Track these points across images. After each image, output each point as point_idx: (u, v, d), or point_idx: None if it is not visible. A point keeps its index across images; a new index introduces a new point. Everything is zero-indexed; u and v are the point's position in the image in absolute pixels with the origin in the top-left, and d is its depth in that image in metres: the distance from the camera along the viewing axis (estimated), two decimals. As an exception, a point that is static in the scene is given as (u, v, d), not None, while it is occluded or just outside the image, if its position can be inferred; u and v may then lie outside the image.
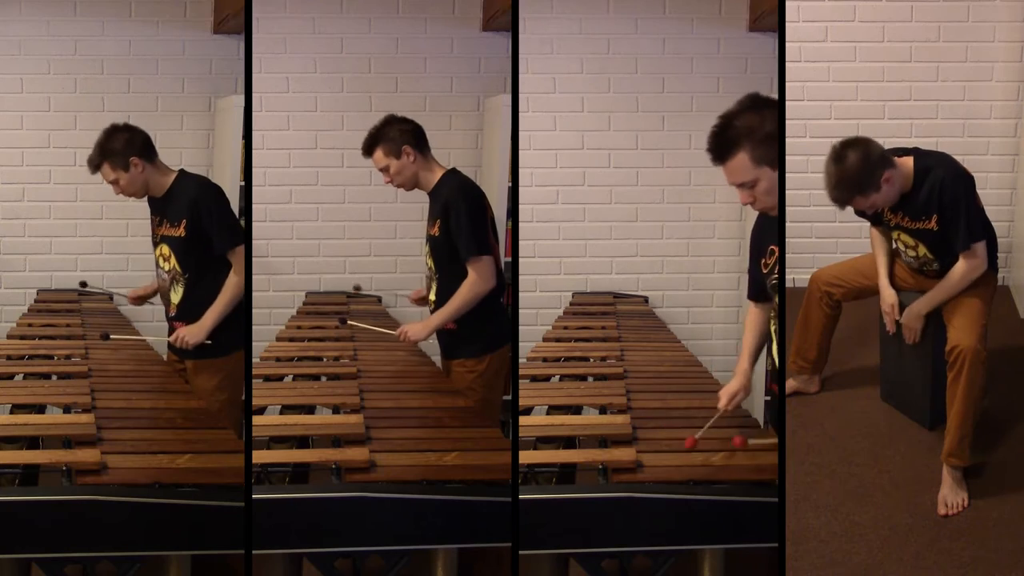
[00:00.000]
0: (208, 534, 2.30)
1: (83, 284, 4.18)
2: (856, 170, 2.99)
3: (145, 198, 3.23)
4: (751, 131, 2.33)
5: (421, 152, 3.16)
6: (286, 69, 4.19)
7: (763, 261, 2.62)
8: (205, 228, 3.08)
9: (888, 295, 3.30)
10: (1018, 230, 4.24)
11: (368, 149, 3.18)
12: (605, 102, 4.26)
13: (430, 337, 3.20)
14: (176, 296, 3.16)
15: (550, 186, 4.28)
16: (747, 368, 2.68)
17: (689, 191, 4.29)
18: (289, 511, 2.19)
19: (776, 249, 2.55)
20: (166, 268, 3.16)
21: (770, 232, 2.58)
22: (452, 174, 3.17)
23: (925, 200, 3.08)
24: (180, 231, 3.10)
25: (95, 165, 3.15)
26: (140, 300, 3.47)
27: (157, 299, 3.35)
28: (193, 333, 3.09)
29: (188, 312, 3.14)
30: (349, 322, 3.64)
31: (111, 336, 3.48)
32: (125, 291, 3.56)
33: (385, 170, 3.18)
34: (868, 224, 3.40)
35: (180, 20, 4.21)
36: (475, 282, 3.06)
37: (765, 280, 2.62)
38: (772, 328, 2.65)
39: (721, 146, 2.36)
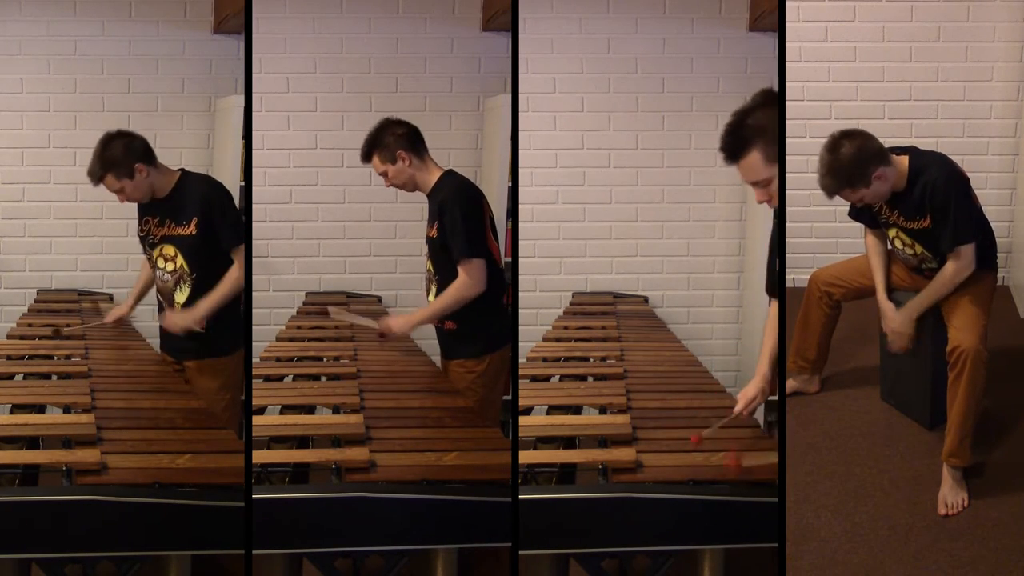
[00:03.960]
0: (208, 534, 2.30)
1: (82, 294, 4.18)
2: (848, 162, 3.00)
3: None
4: (764, 130, 2.32)
5: (417, 155, 3.16)
6: (286, 69, 4.19)
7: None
8: (215, 225, 3.08)
9: (887, 308, 3.29)
10: (1018, 230, 4.23)
11: (366, 155, 3.19)
12: (605, 102, 4.25)
13: (411, 331, 3.21)
14: (181, 296, 3.15)
15: (550, 186, 4.28)
16: (767, 372, 2.63)
17: (689, 191, 4.29)
18: (289, 511, 2.19)
19: None
20: (169, 269, 3.16)
21: None
22: (450, 175, 3.17)
23: (918, 200, 3.09)
24: (190, 229, 3.09)
25: (98, 177, 3.12)
26: (118, 323, 3.48)
27: (150, 299, 3.35)
28: (183, 317, 3.09)
29: (194, 312, 3.15)
30: (332, 313, 3.62)
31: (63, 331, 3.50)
32: (125, 291, 3.57)
33: (384, 175, 3.19)
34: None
35: (180, 20, 4.21)
36: (464, 284, 3.06)
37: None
38: None
39: (734, 145, 2.36)
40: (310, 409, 2.81)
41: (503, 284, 3.16)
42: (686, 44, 4.23)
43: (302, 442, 2.60)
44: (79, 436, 2.50)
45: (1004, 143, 4.29)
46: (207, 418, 2.83)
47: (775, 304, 2.73)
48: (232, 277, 3.07)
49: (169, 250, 3.15)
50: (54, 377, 3.10)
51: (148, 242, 3.20)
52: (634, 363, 3.28)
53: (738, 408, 2.58)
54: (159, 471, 2.35)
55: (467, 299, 3.06)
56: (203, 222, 3.08)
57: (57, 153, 4.18)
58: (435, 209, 3.12)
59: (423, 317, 3.15)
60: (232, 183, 3.84)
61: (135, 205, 3.24)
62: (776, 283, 2.66)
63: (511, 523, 2.24)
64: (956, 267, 3.12)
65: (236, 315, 3.10)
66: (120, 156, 3.10)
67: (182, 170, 3.20)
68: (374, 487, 2.27)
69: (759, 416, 2.72)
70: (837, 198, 3.12)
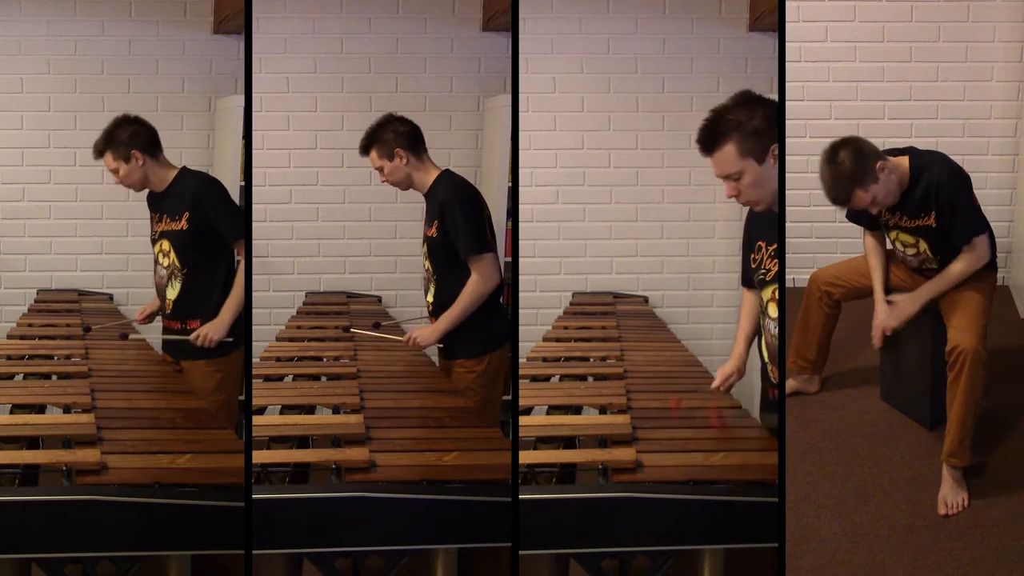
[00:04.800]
0: (208, 534, 2.29)
1: None
2: (851, 165, 3.01)
3: (145, 194, 3.24)
4: (740, 124, 2.40)
5: (415, 154, 3.16)
6: (286, 69, 4.19)
7: (751, 256, 2.65)
8: (211, 222, 3.09)
9: (881, 311, 3.29)
10: (1018, 230, 4.23)
11: (364, 149, 3.20)
12: (605, 102, 4.25)
13: (438, 341, 3.19)
14: (172, 292, 3.16)
15: (550, 186, 4.28)
16: (743, 351, 2.76)
17: (689, 191, 4.29)
18: (289, 511, 2.19)
19: (763, 245, 2.58)
20: (165, 264, 3.17)
21: (758, 228, 2.62)
22: (447, 175, 3.17)
23: (922, 198, 3.09)
24: (182, 224, 3.11)
25: (99, 151, 3.17)
26: (150, 318, 3.46)
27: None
28: (215, 328, 3.09)
29: (184, 309, 3.14)
30: (353, 331, 3.61)
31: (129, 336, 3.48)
32: (125, 291, 3.56)
33: (380, 170, 3.20)
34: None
35: (180, 20, 4.21)
36: (478, 281, 3.07)
37: (753, 274, 2.65)
38: (761, 322, 2.65)
39: (710, 137, 2.44)
40: (310, 409, 2.81)
41: (502, 284, 3.16)
42: (686, 44, 4.23)
43: (302, 442, 2.60)
44: (79, 436, 2.50)
45: (1004, 143, 4.29)
46: (207, 418, 2.83)
47: (748, 293, 2.77)
48: (242, 278, 3.08)
49: (165, 245, 3.16)
50: (54, 377, 3.10)
51: (152, 238, 3.22)
52: (634, 363, 3.27)
53: (715, 383, 2.72)
54: (159, 471, 2.35)
55: (485, 295, 3.08)
56: (194, 218, 3.09)
57: (57, 153, 4.18)
58: (435, 209, 3.13)
59: (448, 324, 3.13)
60: (232, 183, 3.84)
61: (139, 206, 3.25)
62: (750, 277, 2.68)
63: (511, 523, 2.24)
64: (971, 259, 3.12)
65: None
66: (124, 138, 3.14)
67: (183, 167, 3.21)
68: (374, 487, 2.27)
69: (756, 416, 2.72)
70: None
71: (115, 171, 3.17)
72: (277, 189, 4.22)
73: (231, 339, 3.08)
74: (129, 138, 3.14)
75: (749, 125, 2.39)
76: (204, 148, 4.20)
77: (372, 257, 4.29)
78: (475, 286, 3.07)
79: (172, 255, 3.14)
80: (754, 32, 4.22)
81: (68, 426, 2.60)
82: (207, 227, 3.09)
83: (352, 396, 2.85)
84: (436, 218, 3.11)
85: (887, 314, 3.24)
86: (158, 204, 3.20)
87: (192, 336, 3.11)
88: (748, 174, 2.42)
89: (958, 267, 3.15)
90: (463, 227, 3.05)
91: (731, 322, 4.35)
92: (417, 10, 4.22)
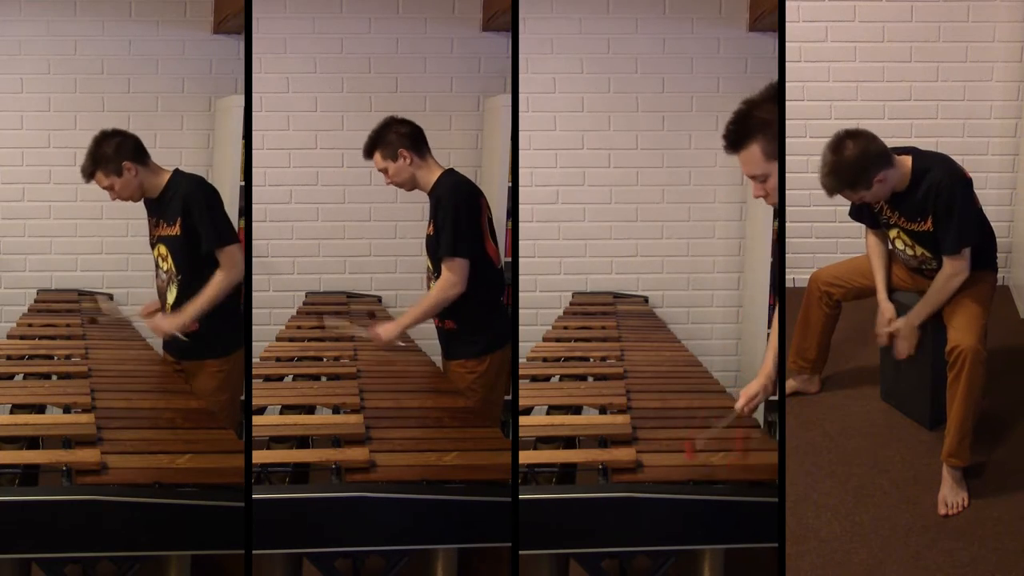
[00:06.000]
0: (208, 534, 2.30)
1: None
2: (851, 164, 2.99)
3: (142, 200, 3.24)
4: (767, 124, 2.29)
5: (419, 154, 3.17)
6: (286, 69, 4.19)
7: None
8: (196, 225, 3.08)
9: (886, 309, 3.29)
10: (1018, 230, 4.23)
11: (368, 152, 3.20)
12: (605, 102, 4.25)
13: (399, 338, 3.19)
14: (171, 297, 3.15)
15: (550, 186, 4.28)
16: (771, 370, 2.58)
17: (689, 191, 4.29)
18: (289, 511, 2.20)
19: None
20: (164, 269, 3.17)
21: None
22: (448, 174, 3.18)
23: (921, 201, 3.09)
24: (176, 230, 3.10)
25: (88, 173, 3.16)
26: (152, 315, 3.45)
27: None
28: (170, 321, 3.08)
29: (183, 313, 3.14)
30: (326, 323, 3.62)
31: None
32: (125, 291, 3.55)
33: (384, 171, 3.20)
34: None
35: (180, 20, 4.21)
36: (446, 284, 3.05)
37: None
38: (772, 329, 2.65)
39: (736, 135, 2.32)
40: (310, 409, 2.81)
41: (503, 284, 3.16)
42: (686, 44, 4.24)
43: (302, 442, 2.60)
44: (79, 436, 2.50)
45: (1004, 143, 4.29)
46: (207, 418, 2.83)
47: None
48: (216, 280, 3.05)
49: (163, 250, 3.16)
50: (54, 377, 3.10)
51: (151, 243, 3.22)
52: (634, 363, 3.28)
53: (740, 404, 2.54)
54: (159, 471, 2.35)
55: (449, 299, 3.06)
56: (185, 222, 3.08)
57: (57, 153, 4.18)
58: (432, 207, 3.14)
59: (409, 321, 3.15)
60: (232, 183, 3.84)
61: (138, 206, 3.24)
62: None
63: (511, 523, 2.24)
64: (953, 269, 3.11)
65: (235, 316, 3.10)
66: (110, 153, 3.12)
67: (176, 170, 3.20)
68: (374, 487, 2.27)
69: (759, 416, 2.72)
70: (838, 197, 3.12)
71: (110, 187, 3.15)
72: (277, 189, 4.22)
73: (185, 338, 3.07)
74: (115, 151, 3.12)
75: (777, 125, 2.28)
76: (204, 148, 4.21)
77: (372, 257, 4.29)
78: (441, 288, 3.06)
79: (169, 260, 3.13)
80: (754, 32, 4.22)
81: (68, 426, 2.61)
82: (196, 231, 3.09)
83: (352, 396, 2.85)
84: (432, 216, 3.12)
85: (897, 343, 3.23)
86: (155, 209, 3.19)
87: (146, 321, 3.12)
88: (774, 176, 2.32)
89: (941, 280, 3.13)
90: (446, 227, 3.04)
91: (731, 322, 4.38)
92: (417, 10, 4.22)
